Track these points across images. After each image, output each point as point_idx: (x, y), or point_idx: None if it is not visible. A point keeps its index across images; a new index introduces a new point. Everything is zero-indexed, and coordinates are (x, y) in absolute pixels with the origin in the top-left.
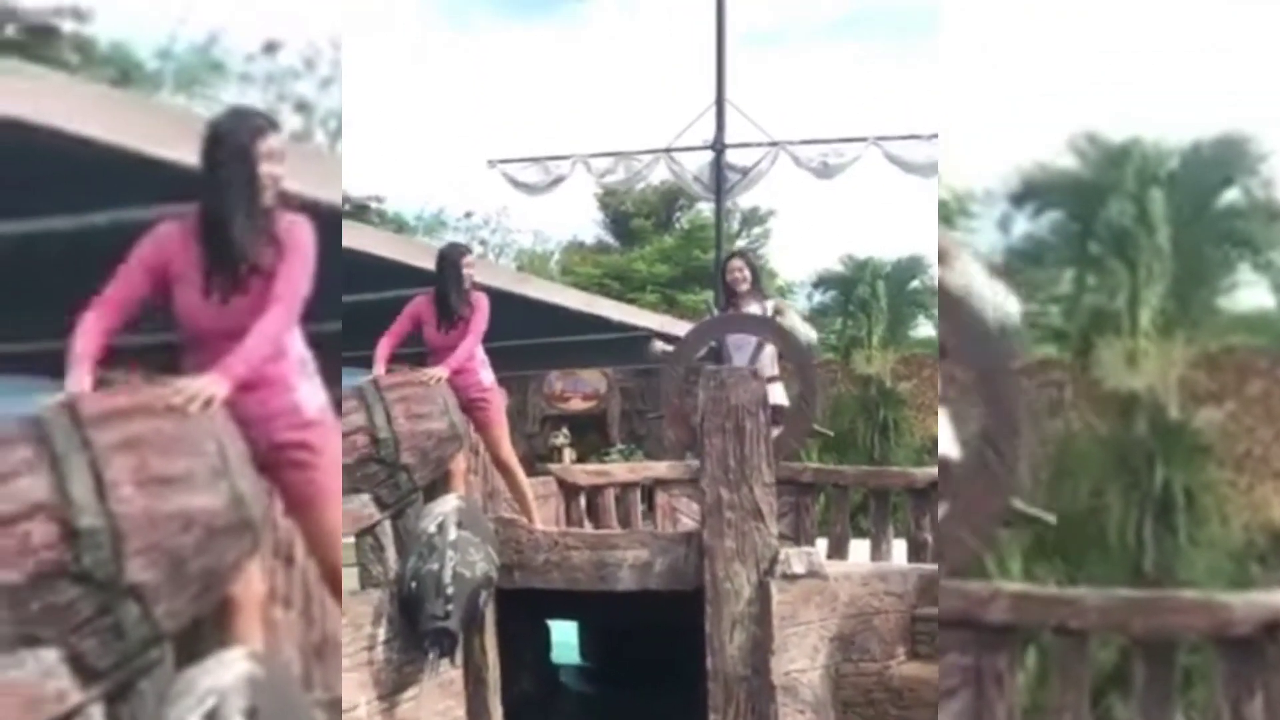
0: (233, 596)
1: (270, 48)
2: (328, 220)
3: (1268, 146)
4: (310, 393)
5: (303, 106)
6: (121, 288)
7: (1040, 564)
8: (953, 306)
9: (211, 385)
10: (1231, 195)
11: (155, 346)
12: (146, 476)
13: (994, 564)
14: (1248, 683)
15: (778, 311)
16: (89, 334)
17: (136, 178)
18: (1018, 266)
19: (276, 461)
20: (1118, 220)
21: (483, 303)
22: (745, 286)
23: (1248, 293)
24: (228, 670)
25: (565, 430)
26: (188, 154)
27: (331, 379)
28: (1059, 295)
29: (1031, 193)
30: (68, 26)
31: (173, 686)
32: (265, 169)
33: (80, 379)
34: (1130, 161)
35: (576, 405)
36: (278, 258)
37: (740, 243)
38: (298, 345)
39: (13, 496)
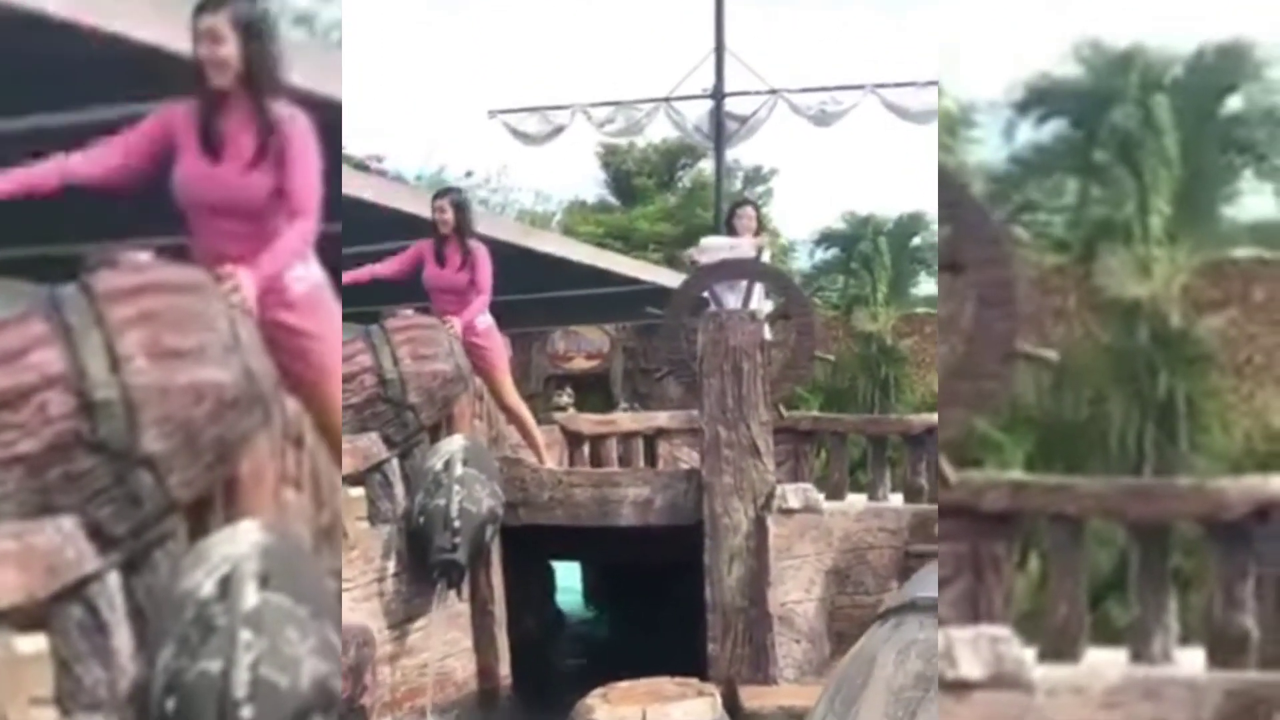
0: (244, 473)
1: None
2: (327, 116)
3: (1272, 52)
4: (300, 275)
5: (302, 20)
6: (121, 143)
7: (1041, 470)
8: (949, 182)
9: (245, 280)
10: (1235, 102)
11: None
12: (160, 350)
13: (995, 466)
14: (1240, 566)
15: (759, 249)
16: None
17: (147, 71)
18: (1021, 176)
19: (267, 338)
20: (1123, 126)
21: (483, 253)
22: (750, 234)
23: (1252, 200)
24: (241, 539)
25: (569, 390)
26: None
27: (334, 280)
28: (1063, 205)
29: (1035, 100)
30: None
31: (187, 556)
32: (201, 50)
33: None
34: (1134, 68)
35: (579, 365)
36: (284, 155)
37: None
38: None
39: (29, 369)
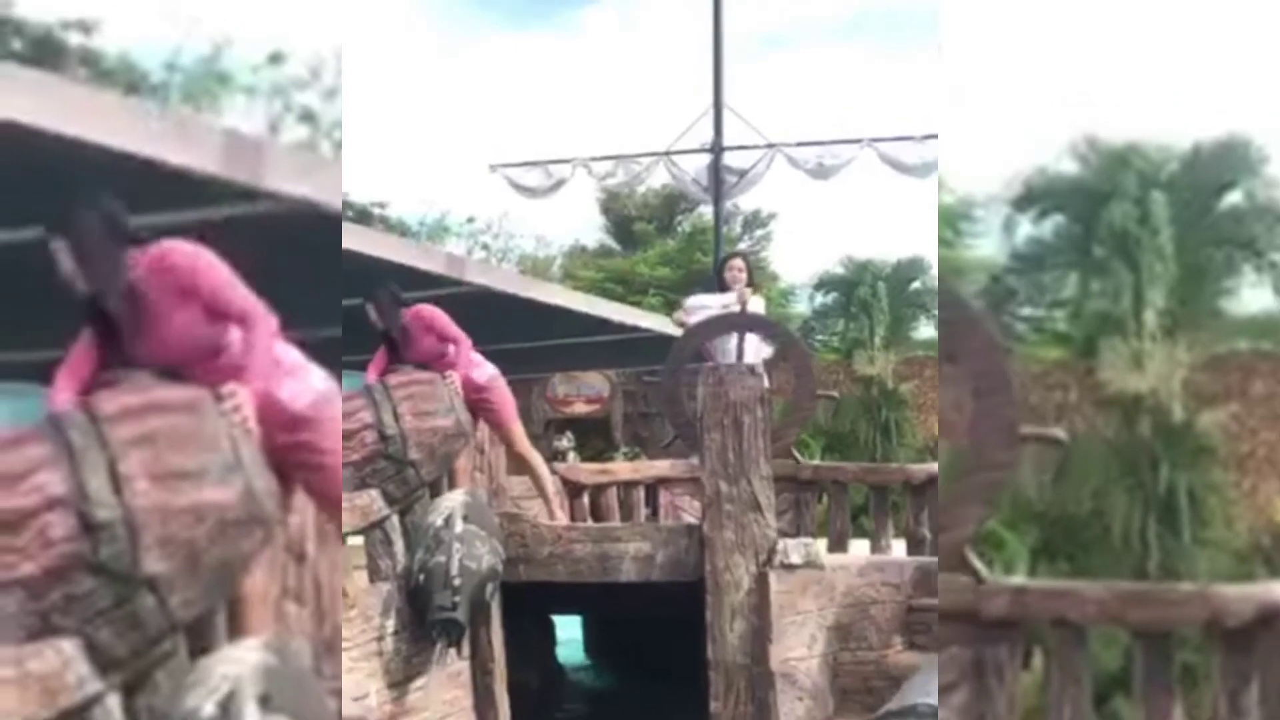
0: (246, 592)
1: (275, 59)
2: (328, 226)
3: (1269, 149)
4: (294, 391)
5: (308, 117)
6: (82, 344)
7: (1045, 566)
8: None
9: (245, 398)
10: (1233, 198)
11: None
12: (161, 471)
13: (1000, 565)
14: (1244, 673)
15: (742, 300)
16: (61, 394)
17: (138, 184)
18: (1022, 270)
19: (274, 463)
20: (1120, 223)
21: (413, 316)
22: (740, 286)
23: (1251, 294)
24: (242, 659)
25: (569, 434)
26: (191, 160)
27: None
28: (1063, 299)
29: (1034, 197)
30: (74, 39)
31: (188, 676)
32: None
33: None
34: (1131, 165)
35: (580, 409)
36: (187, 287)
37: (742, 245)
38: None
39: (32, 491)
